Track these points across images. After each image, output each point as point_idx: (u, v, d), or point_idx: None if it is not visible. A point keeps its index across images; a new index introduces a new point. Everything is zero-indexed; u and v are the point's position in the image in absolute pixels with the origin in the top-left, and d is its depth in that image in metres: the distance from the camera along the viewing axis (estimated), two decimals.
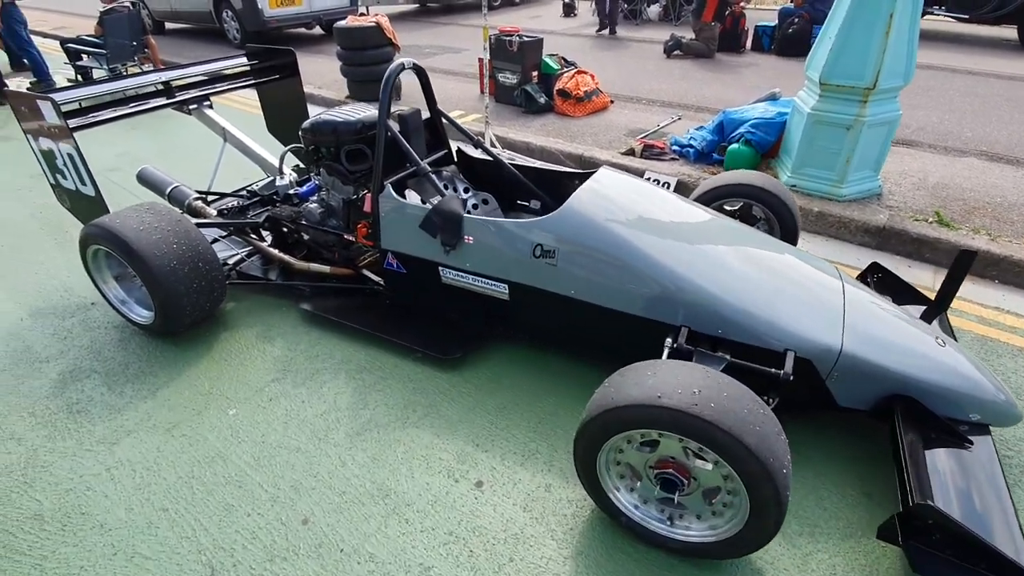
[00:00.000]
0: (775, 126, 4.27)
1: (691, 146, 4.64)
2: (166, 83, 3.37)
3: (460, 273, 2.55)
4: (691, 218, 2.40)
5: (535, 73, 6.12)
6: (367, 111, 2.87)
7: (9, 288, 3.36)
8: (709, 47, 8.37)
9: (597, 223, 2.23)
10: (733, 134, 4.44)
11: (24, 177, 4.88)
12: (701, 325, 2.07)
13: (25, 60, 8.37)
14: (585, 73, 6.00)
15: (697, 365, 1.61)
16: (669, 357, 1.99)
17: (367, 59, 6.40)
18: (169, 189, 3.23)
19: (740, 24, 8.71)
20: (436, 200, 2.58)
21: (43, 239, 3.89)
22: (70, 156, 2.88)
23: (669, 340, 2.04)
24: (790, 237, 2.88)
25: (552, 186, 2.99)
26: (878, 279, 2.64)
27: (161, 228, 2.61)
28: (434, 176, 2.54)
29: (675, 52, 8.55)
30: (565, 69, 6.25)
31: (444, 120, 3.00)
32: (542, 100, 5.95)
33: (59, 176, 3.08)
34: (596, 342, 2.44)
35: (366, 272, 2.98)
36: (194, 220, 2.94)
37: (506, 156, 3.02)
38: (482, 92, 6.54)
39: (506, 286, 2.46)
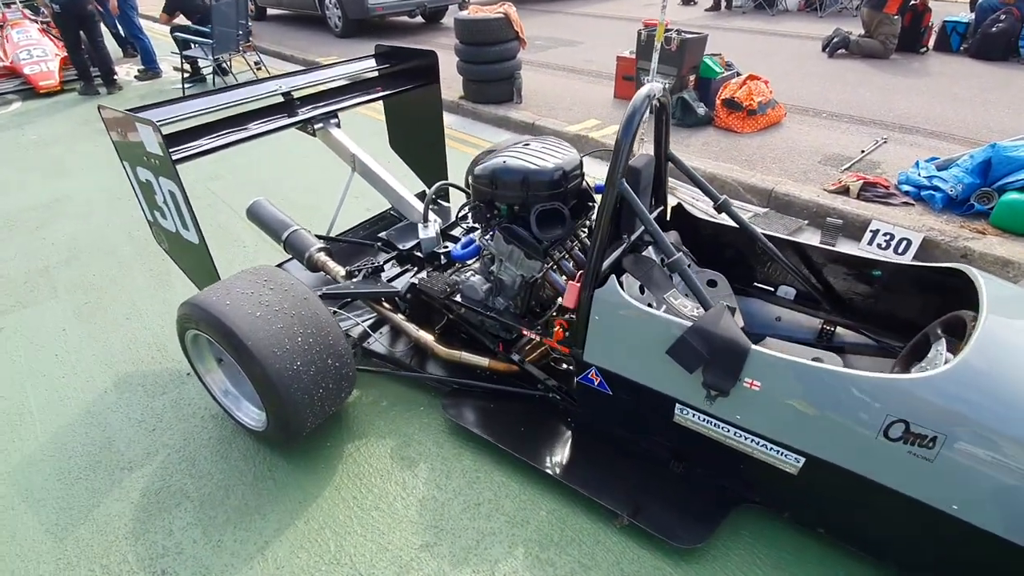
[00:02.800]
0: None
1: (935, 188, 3.46)
2: (286, 95, 2.65)
3: (716, 421, 1.65)
4: None
5: (692, 78, 5.06)
6: (561, 151, 2.00)
7: (98, 342, 2.78)
8: (886, 46, 6.92)
9: None
10: (1007, 178, 3.23)
11: (125, 182, 4.43)
12: None
13: (134, 46, 8.20)
14: (758, 79, 4.87)
15: None
16: None
17: (491, 56, 5.55)
18: (286, 234, 2.52)
19: (924, 19, 7.16)
20: (683, 306, 1.68)
21: (138, 271, 3.34)
22: (171, 194, 2.20)
23: None
24: None
25: (826, 273, 2.02)
26: None
27: (284, 313, 1.87)
28: (693, 274, 1.62)
29: (839, 51, 7.15)
30: (728, 72, 5.15)
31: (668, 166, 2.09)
32: (701, 111, 4.88)
33: (157, 214, 2.43)
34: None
35: (534, 370, 2.13)
36: (321, 291, 2.20)
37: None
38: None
39: (802, 459, 1.54)
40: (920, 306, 1.85)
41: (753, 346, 1.48)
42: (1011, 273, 3.02)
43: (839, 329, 2.08)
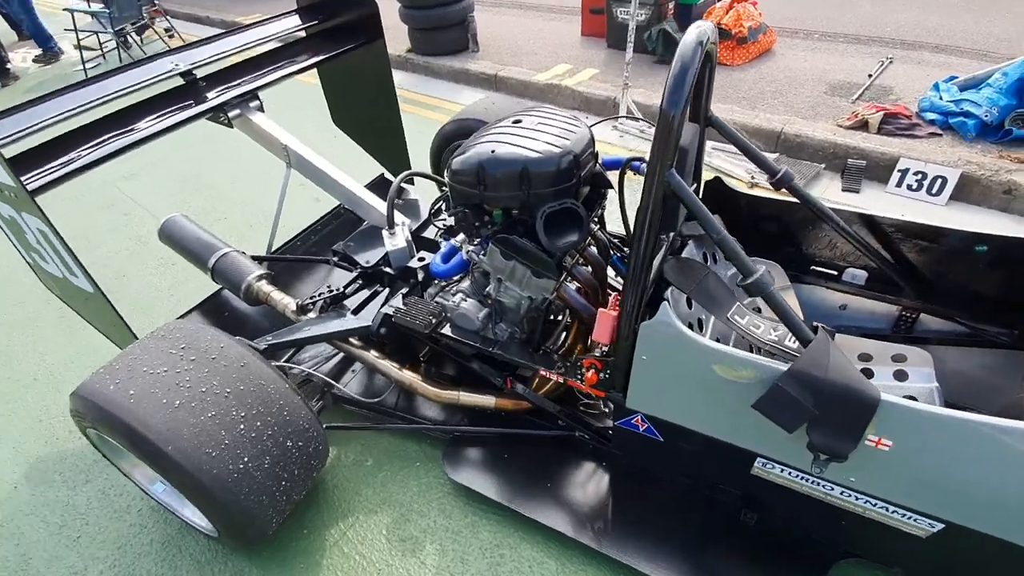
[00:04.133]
0: None
1: (965, 114, 3.04)
2: (188, 75, 2.01)
3: (818, 480, 1.25)
4: None
5: (672, 5, 4.45)
6: (564, 126, 1.47)
7: (5, 410, 2.22)
8: None
9: None
10: None
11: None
12: None
13: (24, 26, 7.02)
14: (745, 1, 4.29)
15: None
16: None
17: None
18: (215, 259, 1.96)
19: None
20: (755, 327, 1.24)
21: (46, 314, 2.72)
22: (42, 233, 1.62)
23: None
24: None
25: (907, 251, 1.60)
26: None
27: (215, 393, 1.36)
28: (775, 289, 1.16)
29: None
30: None
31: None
32: None
33: (36, 256, 1.84)
34: None
35: (552, 406, 1.70)
36: (265, 342, 1.68)
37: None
38: (607, 43, 4.95)
39: (940, 526, 1.16)
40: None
41: (884, 395, 1.05)
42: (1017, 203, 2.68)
43: (922, 316, 1.68)
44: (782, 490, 1.36)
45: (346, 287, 1.89)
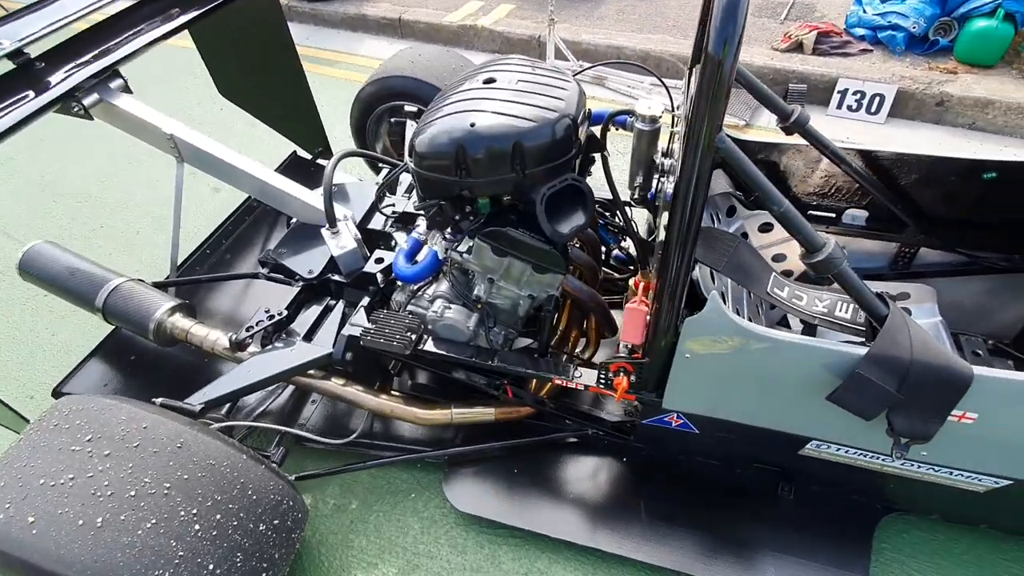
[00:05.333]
0: None
1: (893, 27, 3.03)
2: (18, 53, 1.46)
3: (875, 455, 1.15)
4: None
5: None
6: (549, 81, 1.19)
7: None
8: None
9: None
10: (968, 3, 2.85)
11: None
12: None
13: None
14: None
15: None
16: None
17: None
18: (104, 296, 1.51)
19: None
20: (798, 300, 1.08)
21: None
22: None
23: None
24: None
25: (909, 185, 1.50)
26: None
27: (149, 497, 1.01)
28: (847, 265, 0.99)
29: None
30: None
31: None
32: None
33: None
34: None
35: (546, 405, 1.50)
36: (200, 401, 1.32)
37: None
38: None
39: (1004, 482, 1.10)
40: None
41: (976, 369, 0.93)
42: (990, 114, 2.76)
43: (921, 251, 1.62)
44: (830, 464, 1.27)
45: (289, 307, 1.53)
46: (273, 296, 1.64)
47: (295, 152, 2.50)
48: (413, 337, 1.36)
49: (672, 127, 1.40)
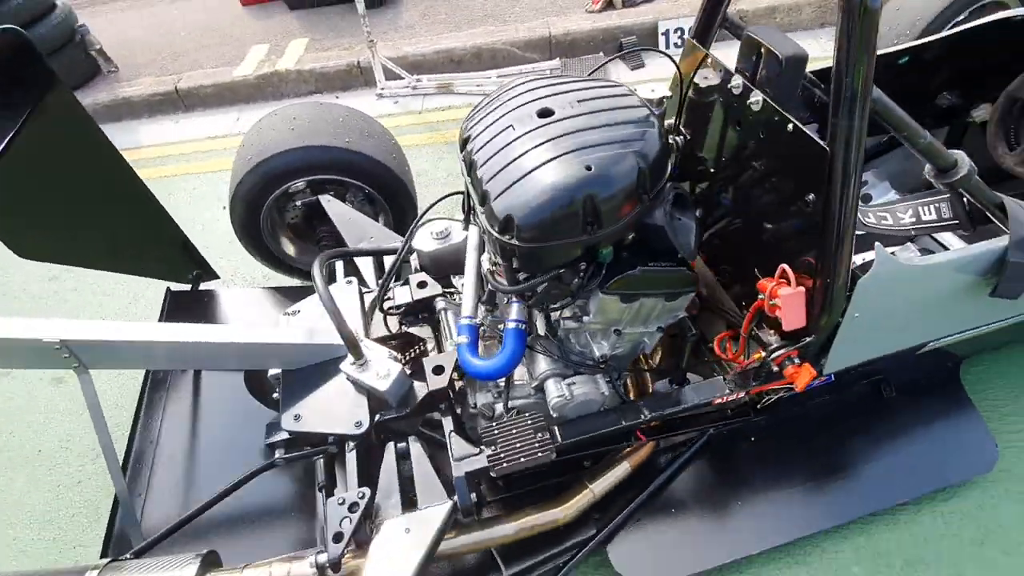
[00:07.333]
0: None
1: None
2: None
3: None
4: None
5: None
6: (611, 89, 1.02)
7: None
8: None
9: None
10: None
11: None
12: None
13: None
14: None
15: None
16: None
17: (9, 15, 3.15)
18: None
19: None
20: (884, 219, 1.13)
21: None
22: None
23: None
24: None
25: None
26: None
27: None
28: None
29: None
30: None
31: None
32: None
33: None
34: None
35: (666, 430, 1.39)
36: None
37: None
38: None
39: None
40: (952, 77, 1.66)
41: None
42: (777, 18, 3.23)
43: None
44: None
45: (362, 481, 1.14)
46: (299, 483, 1.21)
47: (169, 289, 1.91)
48: (547, 436, 1.12)
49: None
